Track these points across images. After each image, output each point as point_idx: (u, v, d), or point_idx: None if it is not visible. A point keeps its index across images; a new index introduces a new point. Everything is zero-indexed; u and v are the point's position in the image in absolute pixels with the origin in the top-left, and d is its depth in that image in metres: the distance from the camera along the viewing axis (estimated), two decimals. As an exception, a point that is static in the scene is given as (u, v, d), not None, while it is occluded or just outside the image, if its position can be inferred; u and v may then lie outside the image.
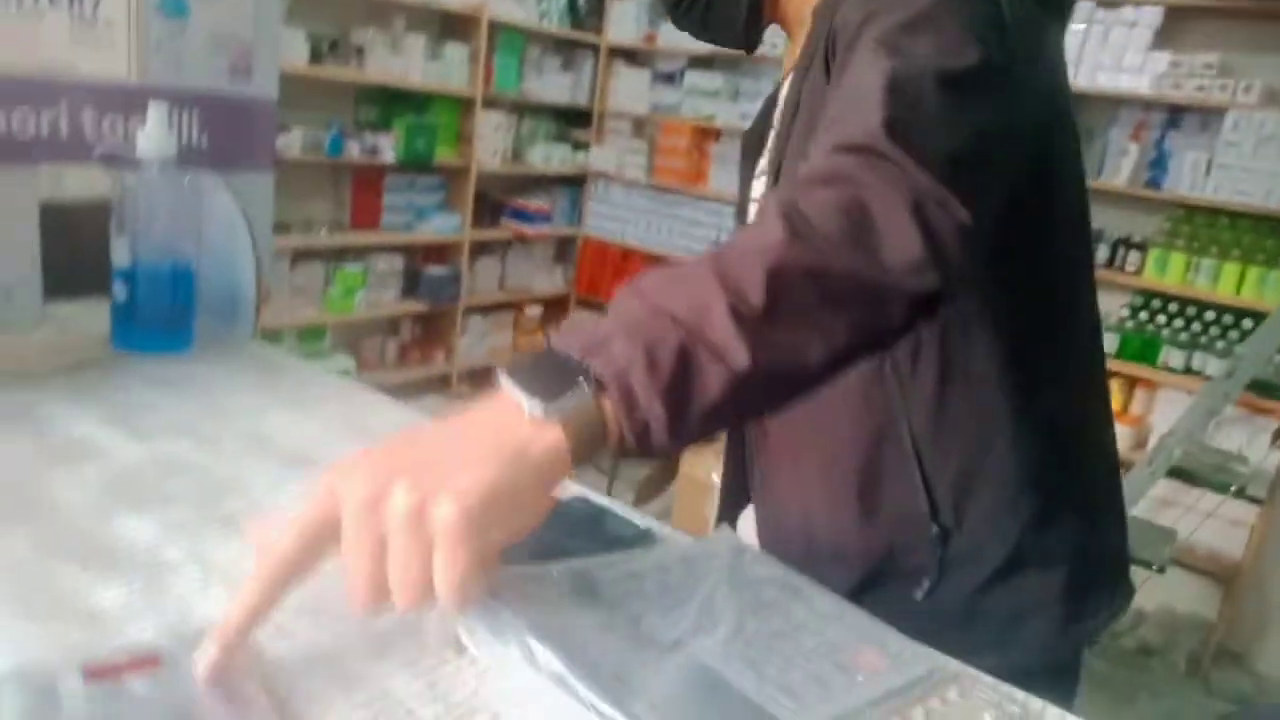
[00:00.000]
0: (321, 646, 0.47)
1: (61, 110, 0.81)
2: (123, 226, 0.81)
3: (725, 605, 0.53)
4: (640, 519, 0.65)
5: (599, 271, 4.28)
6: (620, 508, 0.66)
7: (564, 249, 4.43)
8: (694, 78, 3.95)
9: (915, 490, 0.69)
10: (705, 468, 2.80)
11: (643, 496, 3.05)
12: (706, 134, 3.94)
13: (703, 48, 3.82)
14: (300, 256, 3.28)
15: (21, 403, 0.71)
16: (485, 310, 4.05)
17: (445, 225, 3.71)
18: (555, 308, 4.37)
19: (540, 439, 0.44)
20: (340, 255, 3.43)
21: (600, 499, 0.67)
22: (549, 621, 0.48)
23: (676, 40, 3.94)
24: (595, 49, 4.15)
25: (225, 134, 0.91)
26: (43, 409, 0.70)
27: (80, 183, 0.87)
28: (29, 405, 0.70)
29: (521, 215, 4.06)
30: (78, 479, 0.61)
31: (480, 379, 4.08)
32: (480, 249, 3.96)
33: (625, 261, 4.16)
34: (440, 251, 3.80)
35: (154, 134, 0.80)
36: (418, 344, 3.89)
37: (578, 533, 0.62)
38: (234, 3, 0.90)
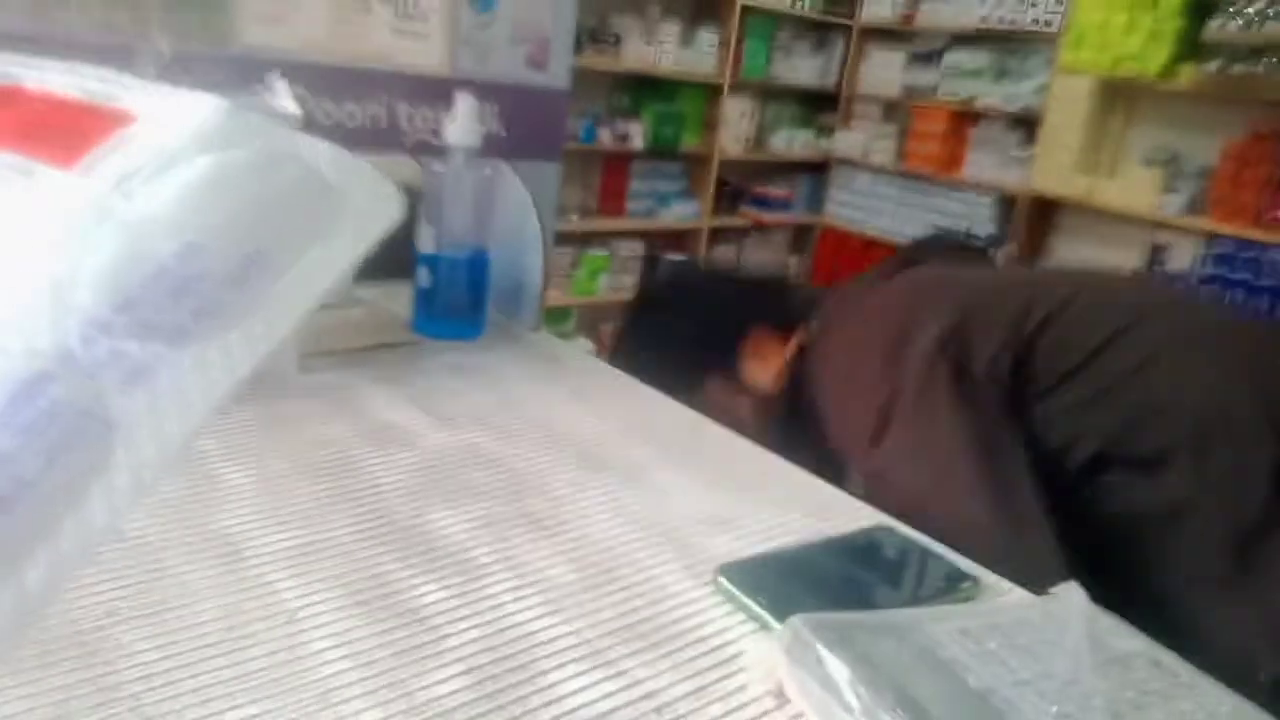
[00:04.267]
0: (643, 685, 0.44)
1: (381, 102, 0.84)
2: (429, 215, 0.82)
3: (1094, 687, 0.45)
4: (961, 560, 0.58)
5: (836, 262, 4.12)
6: (938, 546, 0.59)
7: (801, 238, 4.32)
8: (955, 56, 3.68)
9: None
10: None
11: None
12: (965, 117, 3.66)
13: (968, 23, 3.60)
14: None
15: (337, 383, 0.74)
16: (719, 299, 4.03)
17: (685, 212, 3.72)
18: (789, 299, 4.26)
19: None
20: (586, 239, 3.53)
21: (914, 534, 0.60)
22: (877, 675, 0.42)
23: (938, 17, 3.70)
24: (848, 29, 3.99)
25: (521, 124, 0.92)
26: (356, 389, 0.73)
27: (381, 170, 0.91)
28: (344, 385, 0.73)
29: (761, 202, 3.99)
30: (393, 463, 0.62)
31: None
32: (717, 236, 3.93)
33: (866, 252, 3.97)
34: (679, 238, 3.82)
35: (463, 124, 0.81)
36: (652, 329, 3.93)
37: (895, 575, 0.56)
38: (538, -7, 0.90)
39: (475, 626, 0.46)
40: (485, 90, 0.87)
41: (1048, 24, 3.31)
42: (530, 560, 0.53)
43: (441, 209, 0.82)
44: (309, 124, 0.74)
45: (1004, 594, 0.56)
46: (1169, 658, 0.49)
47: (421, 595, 0.48)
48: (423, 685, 0.42)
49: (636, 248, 3.70)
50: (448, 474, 0.61)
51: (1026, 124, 3.36)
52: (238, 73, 0.73)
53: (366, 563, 0.50)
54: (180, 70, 0.72)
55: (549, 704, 0.42)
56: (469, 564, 0.51)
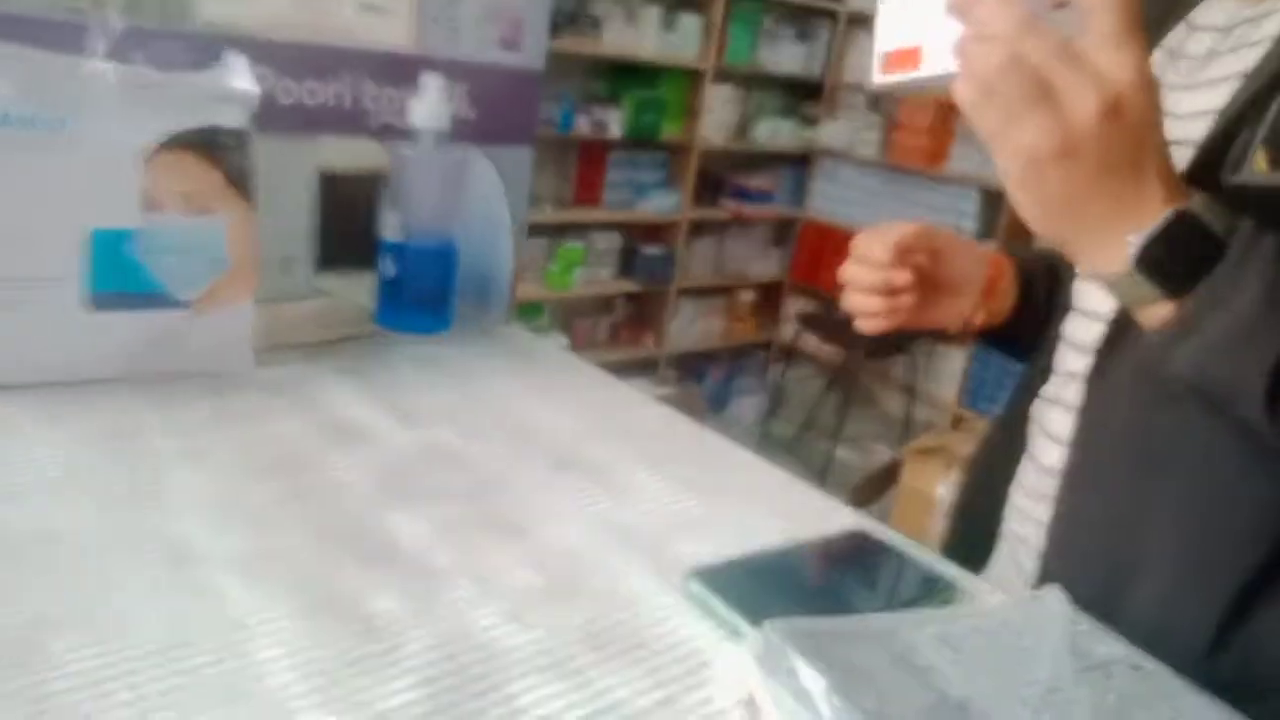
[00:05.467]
0: (608, 696, 0.42)
1: (345, 81, 0.81)
2: (395, 201, 0.80)
3: (1076, 694, 0.43)
4: (939, 564, 0.56)
5: (818, 257, 4.11)
6: (915, 550, 0.57)
7: (783, 231, 4.30)
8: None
9: None
10: (929, 480, 2.64)
11: (858, 501, 2.92)
12: (953, 109, 3.56)
13: (956, 18, 3.55)
14: (526, 232, 3.35)
15: (295, 377, 0.71)
16: (698, 293, 4.00)
17: (664, 204, 3.68)
18: (769, 293, 4.25)
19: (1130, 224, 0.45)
20: (561, 231, 3.48)
21: (890, 537, 0.58)
22: (852, 684, 0.41)
23: (924, 10, 3.67)
24: (834, 16, 3.96)
25: (492, 107, 0.89)
26: (315, 384, 0.70)
27: (343, 153, 0.88)
28: (302, 380, 0.71)
29: (743, 194, 3.96)
30: (352, 462, 0.59)
31: (687, 365, 4.04)
32: (697, 229, 3.90)
33: (847, 246, 3.96)
34: (657, 230, 3.78)
35: (430, 107, 0.78)
36: (629, 324, 3.90)
37: (872, 579, 0.54)
38: (510, -29, 0.87)
39: (433, 635, 0.44)
40: (454, 70, 0.84)
41: (1037, 13, 3.30)
42: (493, 564, 0.50)
43: (408, 195, 0.79)
44: (269, 103, 0.71)
45: (982, 598, 0.54)
46: (1150, 663, 0.48)
47: (377, 601, 0.46)
48: (376, 697, 0.40)
49: (614, 240, 3.66)
50: (409, 474, 0.59)
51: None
52: (195, 50, 0.70)
53: (320, 567, 0.48)
54: (135, 47, 0.69)
55: (508, 716, 0.40)
56: (428, 569, 0.49)
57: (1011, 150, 0.45)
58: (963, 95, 0.45)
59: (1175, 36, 0.61)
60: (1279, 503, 0.51)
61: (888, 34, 0.50)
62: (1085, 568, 0.58)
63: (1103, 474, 0.59)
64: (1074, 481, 0.60)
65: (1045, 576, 0.60)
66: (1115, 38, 0.43)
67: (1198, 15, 0.60)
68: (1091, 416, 0.59)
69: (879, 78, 0.51)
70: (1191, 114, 0.55)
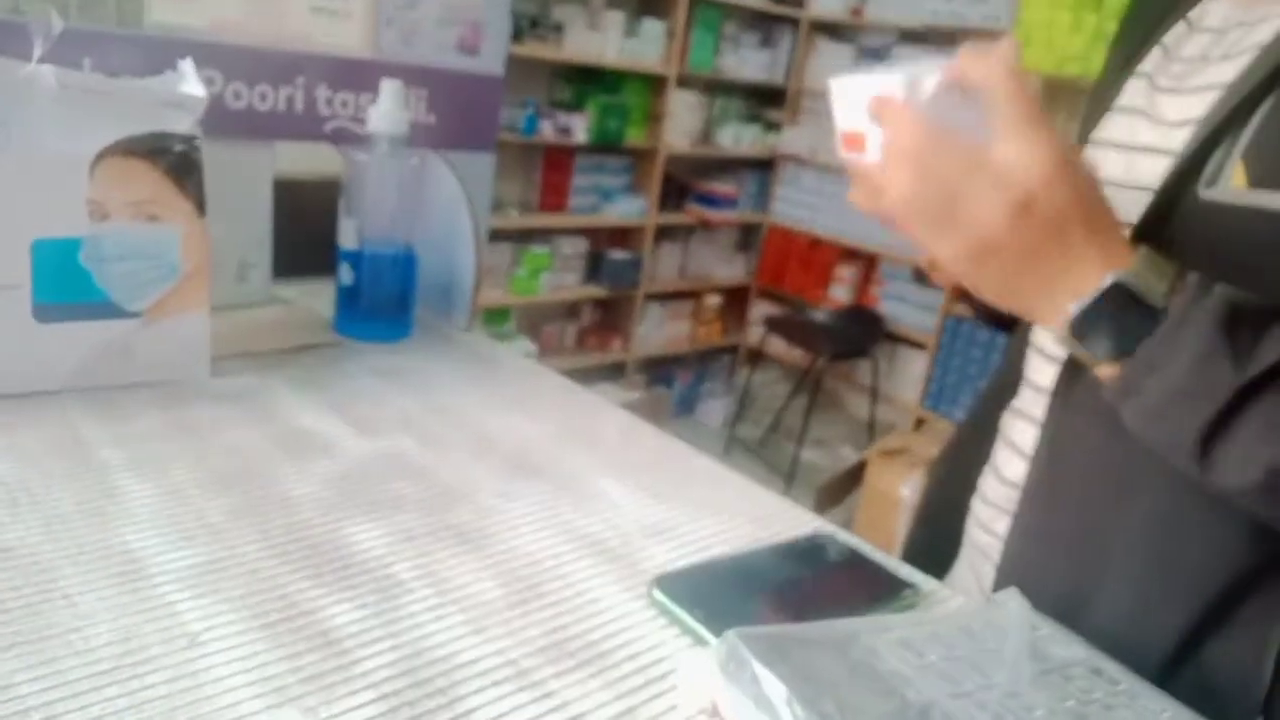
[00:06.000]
0: (571, 708, 0.41)
1: (298, 85, 0.79)
2: (352, 208, 0.79)
3: (1035, 699, 0.43)
4: (902, 568, 0.57)
5: (783, 261, 4.14)
6: (879, 554, 0.58)
7: (747, 236, 4.32)
8: (905, 53, 3.70)
9: (1262, 669, 0.51)
10: (893, 480, 2.66)
11: (825, 501, 2.93)
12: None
13: (915, 20, 3.62)
14: (491, 237, 3.33)
15: (252, 387, 0.70)
16: (664, 298, 4.01)
17: (630, 209, 3.69)
18: (735, 297, 4.27)
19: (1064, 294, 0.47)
20: (527, 236, 3.47)
21: (852, 539, 0.59)
22: (814, 692, 0.41)
23: (886, 13, 3.72)
24: (796, 23, 4.00)
25: (451, 112, 0.88)
26: (271, 394, 0.69)
27: (301, 159, 0.87)
28: (260, 390, 0.69)
29: (707, 199, 3.98)
30: (307, 474, 0.58)
31: (655, 369, 4.05)
32: (663, 234, 3.91)
33: (812, 251, 3.99)
34: (623, 235, 3.78)
35: (387, 111, 0.77)
36: (596, 329, 3.89)
37: (835, 584, 0.54)
38: (468, -25, 0.87)
39: (391, 649, 0.43)
40: (412, 75, 0.84)
41: (997, 20, 3.35)
42: (454, 576, 0.50)
43: (365, 202, 0.78)
44: (220, 108, 0.70)
45: (944, 602, 0.55)
46: (1110, 665, 0.48)
47: (334, 615, 0.45)
48: (334, 712, 0.39)
49: (580, 244, 3.66)
50: (368, 484, 0.58)
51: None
52: (147, 55, 0.69)
53: (276, 581, 0.47)
54: (80, 51, 0.67)
55: (467, 732, 0.39)
56: (387, 581, 0.48)
57: (938, 253, 0.47)
58: (887, 208, 0.48)
59: (1174, 34, 0.60)
60: (1245, 526, 0.51)
61: (841, 113, 0.52)
62: (1042, 584, 0.56)
63: (1066, 492, 0.58)
64: (1035, 498, 0.59)
65: (1001, 588, 0.58)
66: (1018, 130, 0.45)
67: (1197, 14, 0.59)
68: (1056, 433, 0.58)
69: (841, 153, 0.53)
70: (1177, 122, 0.55)
